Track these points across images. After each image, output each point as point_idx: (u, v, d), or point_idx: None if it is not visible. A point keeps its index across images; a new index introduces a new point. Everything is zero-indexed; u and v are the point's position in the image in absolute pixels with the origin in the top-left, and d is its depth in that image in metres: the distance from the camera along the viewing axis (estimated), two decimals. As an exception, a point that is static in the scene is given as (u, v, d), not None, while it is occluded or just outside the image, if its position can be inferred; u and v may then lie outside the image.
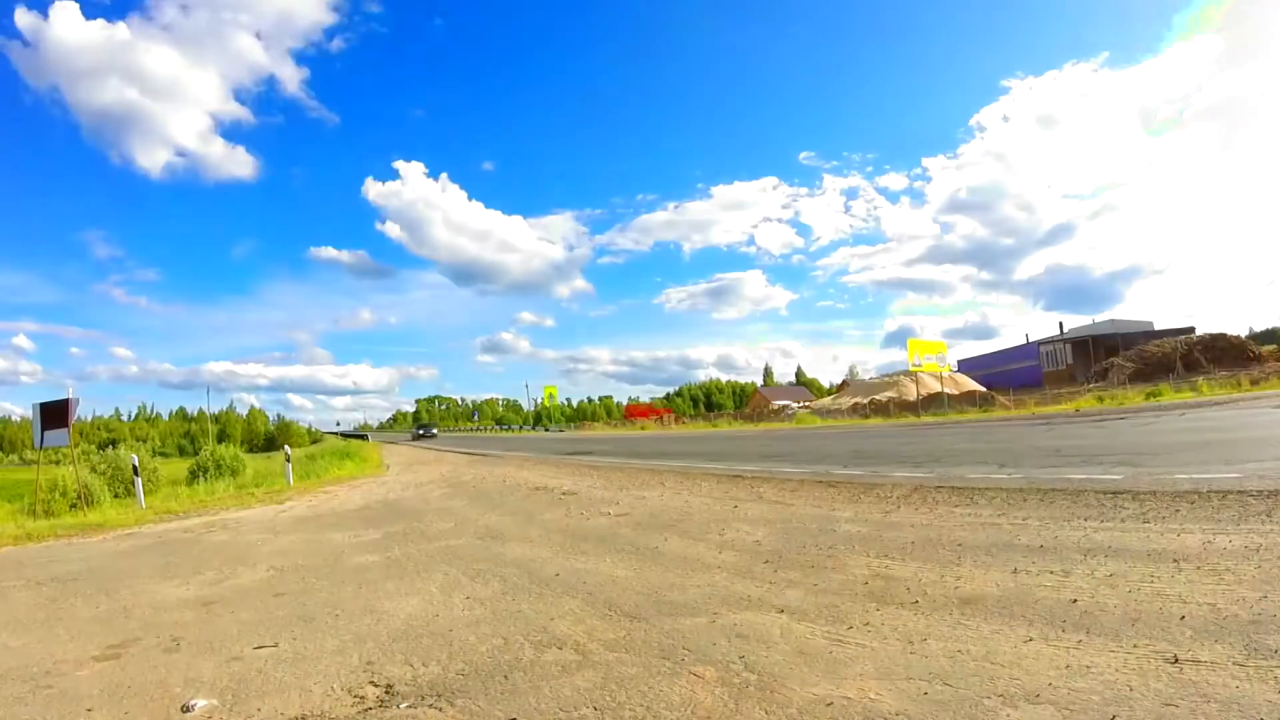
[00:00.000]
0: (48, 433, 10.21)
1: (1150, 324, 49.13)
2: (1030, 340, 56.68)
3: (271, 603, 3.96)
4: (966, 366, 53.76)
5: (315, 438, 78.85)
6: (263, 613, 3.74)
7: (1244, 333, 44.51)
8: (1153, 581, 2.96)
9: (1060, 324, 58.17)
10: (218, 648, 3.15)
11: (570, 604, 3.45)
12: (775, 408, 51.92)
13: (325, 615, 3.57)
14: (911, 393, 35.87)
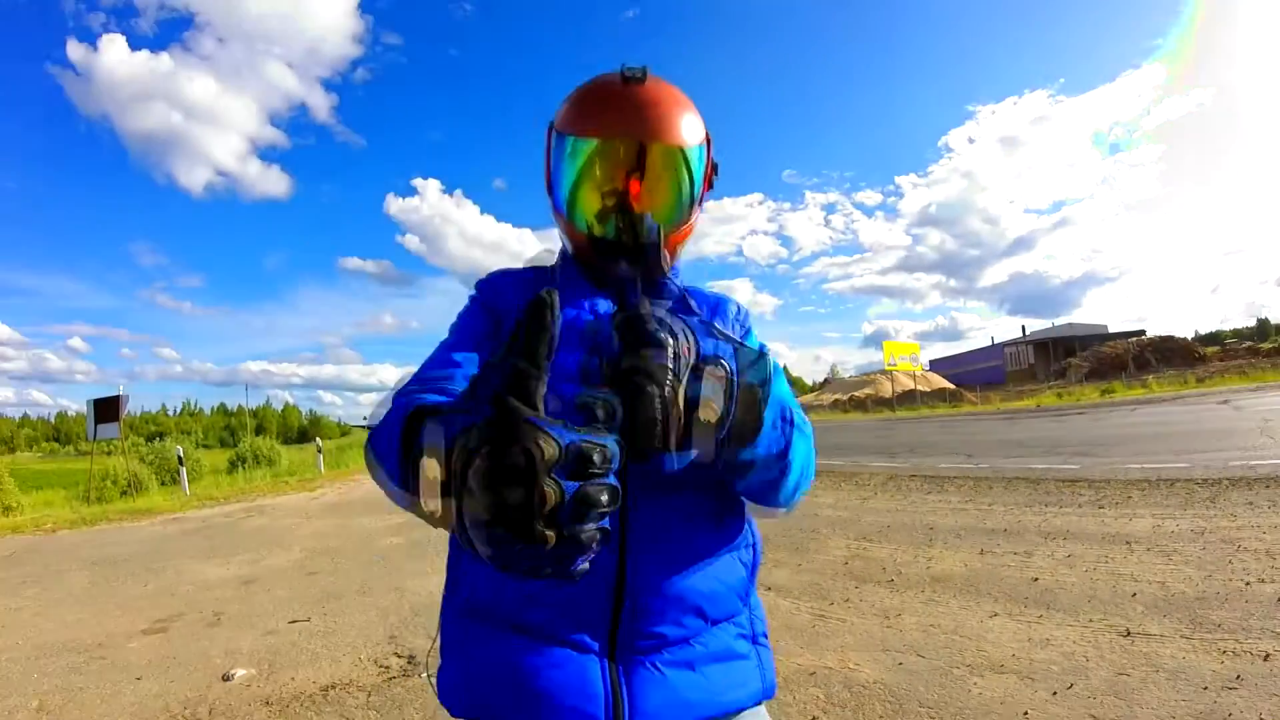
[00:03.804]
0: (100, 426, 10.22)
1: (1104, 327, 49.15)
2: (995, 342, 56.70)
3: (304, 581, 3.95)
4: (937, 366, 53.84)
5: (344, 431, 78.78)
6: (296, 590, 3.73)
7: (1190, 335, 44.63)
8: (1107, 561, 2.96)
9: (1023, 327, 58.31)
10: (255, 622, 3.14)
11: (576, 582, 3.44)
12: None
13: (353, 593, 3.57)
14: (887, 390, 35.87)
